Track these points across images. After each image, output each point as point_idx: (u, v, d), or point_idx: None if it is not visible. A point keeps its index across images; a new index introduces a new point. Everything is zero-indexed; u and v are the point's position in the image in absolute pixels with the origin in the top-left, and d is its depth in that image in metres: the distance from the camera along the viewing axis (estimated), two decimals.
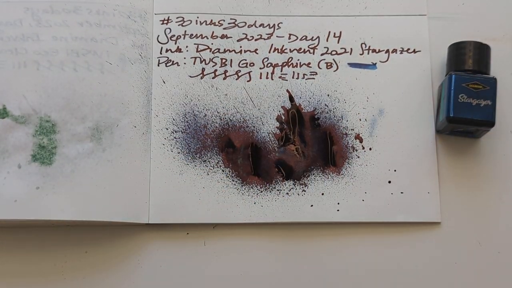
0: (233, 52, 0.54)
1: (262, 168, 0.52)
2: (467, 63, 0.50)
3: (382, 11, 0.55)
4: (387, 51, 0.54)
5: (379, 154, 0.52)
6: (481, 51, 0.51)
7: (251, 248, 0.50)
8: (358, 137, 0.53)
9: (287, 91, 0.53)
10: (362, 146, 0.52)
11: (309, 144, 0.52)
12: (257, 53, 0.54)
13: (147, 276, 0.50)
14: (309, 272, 0.50)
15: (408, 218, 0.50)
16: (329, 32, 0.55)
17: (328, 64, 0.54)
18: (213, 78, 0.53)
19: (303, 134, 0.53)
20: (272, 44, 0.54)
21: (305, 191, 0.51)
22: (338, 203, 0.51)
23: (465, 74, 0.50)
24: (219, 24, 0.54)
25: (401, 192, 0.51)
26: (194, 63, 0.54)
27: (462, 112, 0.49)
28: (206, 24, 0.54)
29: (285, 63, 0.54)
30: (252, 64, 0.54)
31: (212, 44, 0.54)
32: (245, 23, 0.55)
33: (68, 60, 0.51)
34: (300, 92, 0.53)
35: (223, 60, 0.54)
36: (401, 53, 0.54)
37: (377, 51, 0.54)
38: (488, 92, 0.49)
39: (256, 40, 0.54)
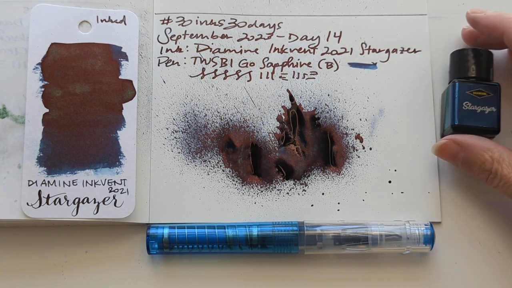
0: (233, 52, 0.54)
1: (262, 168, 0.52)
2: (470, 70, 0.50)
3: (382, 11, 0.55)
4: (388, 50, 0.54)
5: (379, 154, 0.52)
6: (484, 57, 0.51)
7: None
8: (358, 137, 0.53)
9: (288, 90, 0.53)
10: (362, 146, 0.52)
11: (310, 143, 0.52)
12: (257, 53, 0.54)
13: (148, 276, 0.50)
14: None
15: (408, 218, 0.50)
16: (329, 32, 0.55)
17: (329, 64, 0.54)
18: (213, 78, 0.53)
19: (303, 134, 0.53)
20: (272, 44, 0.54)
21: (305, 190, 0.51)
22: (339, 203, 0.51)
23: (468, 81, 0.50)
24: (219, 24, 0.54)
25: (401, 192, 0.51)
26: (194, 63, 0.54)
27: (467, 119, 0.49)
28: (206, 24, 0.54)
29: (285, 63, 0.54)
30: (252, 64, 0.54)
31: (212, 44, 0.54)
32: (245, 23, 0.55)
33: None
34: (301, 91, 0.53)
35: (224, 60, 0.54)
36: (401, 52, 0.54)
37: (377, 51, 0.54)
38: (492, 98, 0.49)
39: (256, 40, 0.54)
